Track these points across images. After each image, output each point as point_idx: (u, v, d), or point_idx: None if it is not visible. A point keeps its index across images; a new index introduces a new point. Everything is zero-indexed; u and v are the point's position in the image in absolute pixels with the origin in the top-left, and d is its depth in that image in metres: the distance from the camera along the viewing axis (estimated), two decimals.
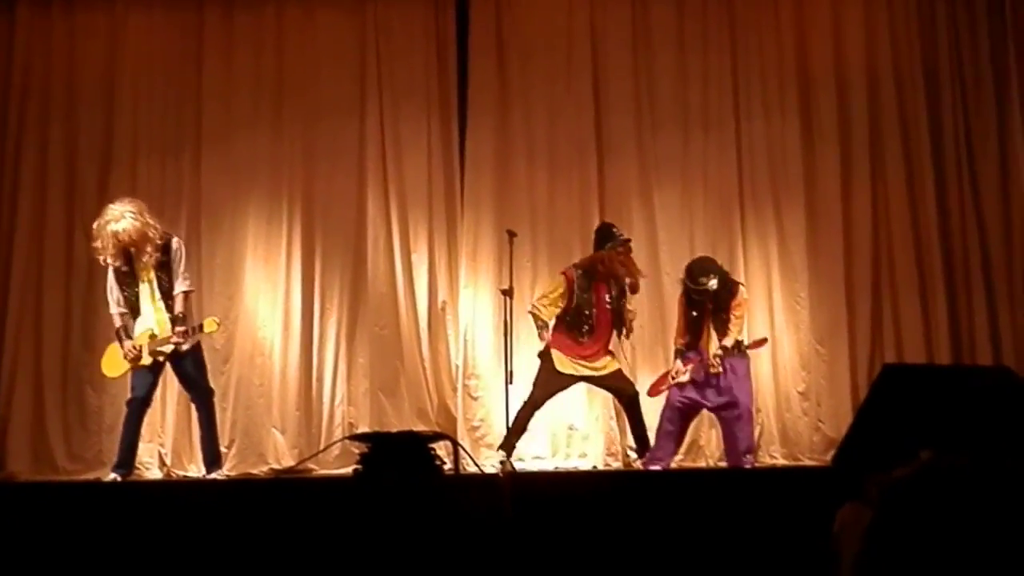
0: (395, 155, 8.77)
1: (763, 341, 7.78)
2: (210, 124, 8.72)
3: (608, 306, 7.50)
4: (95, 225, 6.92)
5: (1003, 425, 2.92)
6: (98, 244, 6.86)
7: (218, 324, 7.25)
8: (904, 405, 3.16)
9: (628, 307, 7.56)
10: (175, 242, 7.04)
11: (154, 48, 8.81)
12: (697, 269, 7.40)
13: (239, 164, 8.70)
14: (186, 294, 7.02)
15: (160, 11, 8.85)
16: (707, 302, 7.34)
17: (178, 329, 6.82)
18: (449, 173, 8.81)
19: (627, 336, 7.62)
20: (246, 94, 8.80)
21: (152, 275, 6.90)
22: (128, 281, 6.91)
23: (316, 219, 8.75)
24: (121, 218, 6.76)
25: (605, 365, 7.51)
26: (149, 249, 6.84)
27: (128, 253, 6.85)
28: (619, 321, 7.51)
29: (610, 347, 7.57)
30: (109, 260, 6.88)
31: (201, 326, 7.01)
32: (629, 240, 7.67)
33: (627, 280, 7.53)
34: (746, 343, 7.55)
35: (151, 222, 6.89)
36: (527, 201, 8.74)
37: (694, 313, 7.40)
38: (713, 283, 7.29)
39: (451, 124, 8.85)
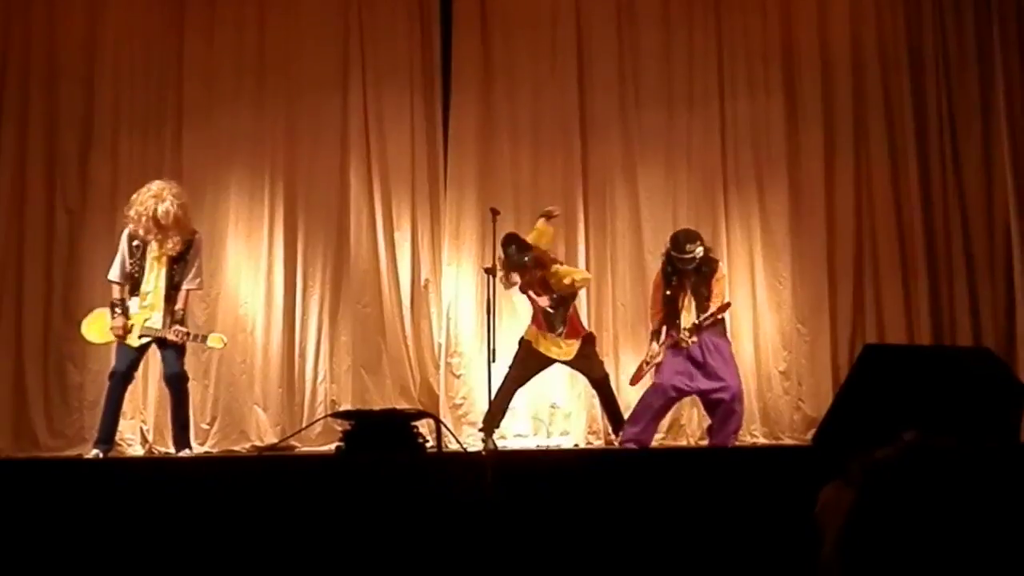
0: (378, 132, 8.73)
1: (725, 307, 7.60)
2: (192, 99, 8.65)
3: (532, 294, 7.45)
4: (136, 195, 6.81)
5: (982, 406, 2.93)
6: (132, 213, 6.76)
7: (224, 343, 7.13)
8: (885, 385, 3.17)
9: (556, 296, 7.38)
10: (197, 237, 7.00)
11: (135, 22, 8.71)
12: (683, 237, 7.27)
13: (221, 140, 8.64)
14: (190, 292, 6.94)
15: None
16: (685, 278, 7.18)
17: (179, 329, 6.75)
18: (432, 150, 8.79)
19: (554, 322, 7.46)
20: (228, 69, 8.73)
21: (164, 261, 6.81)
22: (139, 257, 6.81)
23: (298, 196, 8.71)
24: (164, 199, 6.70)
25: (563, 350, 7.45)
26: (176, 239, 6.76)
27: (155, 232, 6.76)
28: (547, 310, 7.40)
29: (568, 331, 7.44)
30: (136, 228, 6.77)
31: (205, 338, 6.98)
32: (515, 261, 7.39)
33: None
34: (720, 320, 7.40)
35: (189, 216, 6.89)
36: (510, 179, 8.73)
37: (668, 292, 7.25)
38: (699, 251, 7.19)
39: (434, 102, 8.83)
